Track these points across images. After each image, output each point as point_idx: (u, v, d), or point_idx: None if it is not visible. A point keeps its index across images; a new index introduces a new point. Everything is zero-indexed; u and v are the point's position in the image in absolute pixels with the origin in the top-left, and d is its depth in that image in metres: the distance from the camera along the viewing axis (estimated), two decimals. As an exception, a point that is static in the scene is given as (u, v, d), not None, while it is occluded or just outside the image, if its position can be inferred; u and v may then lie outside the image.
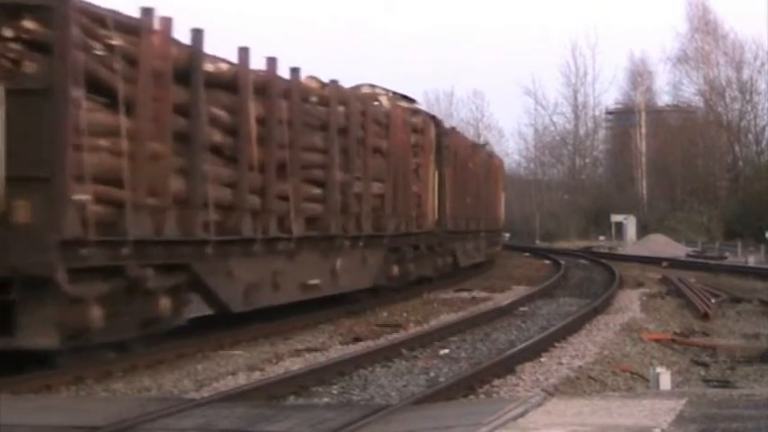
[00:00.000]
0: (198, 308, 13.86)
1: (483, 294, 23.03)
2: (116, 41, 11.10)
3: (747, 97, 66.60)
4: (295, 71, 15.71)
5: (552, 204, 77.70)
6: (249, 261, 14.00)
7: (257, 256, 14.21)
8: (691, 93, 71.96)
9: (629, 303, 20.18)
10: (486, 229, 33.02)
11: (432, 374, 11.19)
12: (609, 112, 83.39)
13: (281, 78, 15.13)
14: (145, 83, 11.48)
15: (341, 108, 17.48)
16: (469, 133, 55.15)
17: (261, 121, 14.33)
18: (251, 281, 14.01)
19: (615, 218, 59.65)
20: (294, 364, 11.69)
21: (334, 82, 17.49)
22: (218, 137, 13.36)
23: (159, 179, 11.80)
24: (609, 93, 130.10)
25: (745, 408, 7.37)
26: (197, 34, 12.75)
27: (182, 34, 12.72)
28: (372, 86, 22.45)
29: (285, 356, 12.46)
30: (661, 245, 50.33)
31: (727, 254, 43.74)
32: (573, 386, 10.41)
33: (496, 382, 10.45)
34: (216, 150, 13.34)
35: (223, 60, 13.59)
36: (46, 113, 10.20)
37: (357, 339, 14.34)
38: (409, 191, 21.36)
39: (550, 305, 20.21)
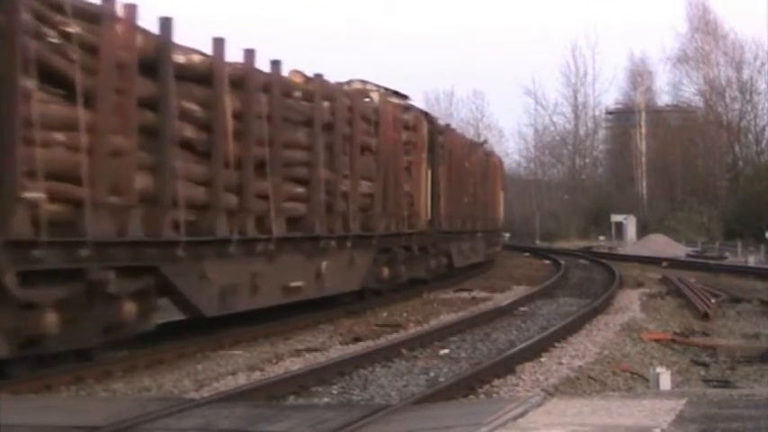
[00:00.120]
0: (172, 312, 13.41)
1: (483, 294, 22.86)
2: (73, 29, 10.32)
3: (747, 97, 66.44)
4: (276, 64, 14.92)
5: (552, 204, 77.59)
6: (225, 263, 13.24)
7: (234, 258, 13.43)
8: (691, 93, 71.87)
9: (629, 303, 20.09)
10: (484, 229, 32.09)
11: (432, 374, 11.12)
12: (609, 112, 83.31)
13: (260, 72, 14.39)
14: (106, 74, 10.72)
15: (326, 103, 16.71)
16: (469, 133, 55.14)
17: (238, 116, 13.62)
18: (227, 283, 13.26)
19: (615, 218, 59.55)
20: (294, 364, 11.63)
21: (318, 76, 16.69)
22: (190, 132, 12.66)
23: (123, 176, 11.08)
24: (609, 93, 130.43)
25: (745, 408, 7.33)
26: (165, 23, 12.02)
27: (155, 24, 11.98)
28: (364, 82, 21.92)
29: (285, 356, 12.41)
30: (661, 245, 50.22)
31: (727, 254, 43.60)
32: (573, 386, 10.36)
33: (496, 382, 10.38)
34: (188, 146, 12.64)
35: (196, 52, 12.86)
36: (-8, 105, 9.46)
37: (357, 339, 14.26)
38: (400, 190, 20.58)
39: (550, 305, 20.11)
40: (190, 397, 9.34)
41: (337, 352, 12.87)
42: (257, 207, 14.16)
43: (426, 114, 24.01)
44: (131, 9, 11.27)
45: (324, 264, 16.46)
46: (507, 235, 52.91)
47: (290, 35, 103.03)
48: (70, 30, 10.31)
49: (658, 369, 10.03)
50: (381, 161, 19.40)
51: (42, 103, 9.92)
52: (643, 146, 74.10)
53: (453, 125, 43.54)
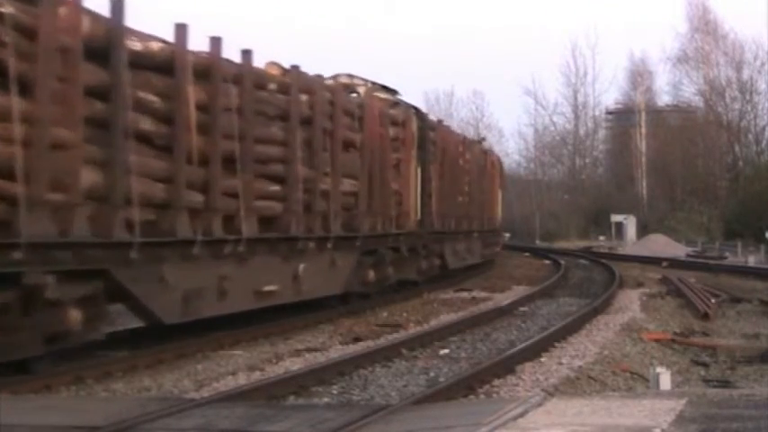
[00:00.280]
0: (134, 319, 12.76)
1: (483, 294, 22.69)
2: (6, 9, 9.37)
3: (747, 97, 66.31)
4: (247, 54, 13.88)
5: (552, 204, 77.57)
6: (188, 266, 12.24)
7: (198, 260, 12.44)
8: (691, 93, 71.72)
9: (629, 303, 20.01)
10: (481, 229, 31.06)
11: (432, 374, 11.05)
12: (609, 112, 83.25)
13: (229, 62, 13.42)
14: (46, 59, 9.72)
15: (304, 97, 15.67)
16: (469, 133, 55.14)
17: (203, 108, 12.65)
18: (191, 288, 12.29)
19: (615, 218, 59.50)
20: (294, 364, 11.54)
21: (295, 68, 15.57)
22: (147, 124, 11.65)
23: (66, 171, 10.06)
24: (609, 93, 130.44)
25: (745, 408, 7.29)
26: (117, 6, 10.98)
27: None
28: (351, 76, 21.03)
29: (285, 356, 12.31)
30: (661, 245, 50.15)
31: (727, 254, 43.52)
32: (573, 386, 10.32)
33: (496, 382, 10.32)
34: (145, 139, 11.62)
35: (155, 39, 11.89)
36: None
37: (357, 339, 14.14)
38: (387, 188, 19.52)
39: (550, 305, 20.02)
40: (190, 397, 9.28)
41: (337, 352, 12.80)
42: (225, 206, 13.20)
43: (416, 110, 22.86)
44: None
45: (302, 266, 15.44)
46: (507, 235, 52.88)
47: (290, 35, 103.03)
48: (2, 10, 9.34)
49: (658, 369, 9.99)
50: (366, 158, 18.42)
51: (-33, 91, 8.81)
52: (643, 146, 74.06)
53: (453, 125, 43.36)
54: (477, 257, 30.95)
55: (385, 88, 21.88)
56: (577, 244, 61.22)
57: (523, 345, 12.87)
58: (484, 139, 48.72)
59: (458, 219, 26.71)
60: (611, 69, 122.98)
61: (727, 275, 29.61)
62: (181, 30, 12.19)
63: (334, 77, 20.10)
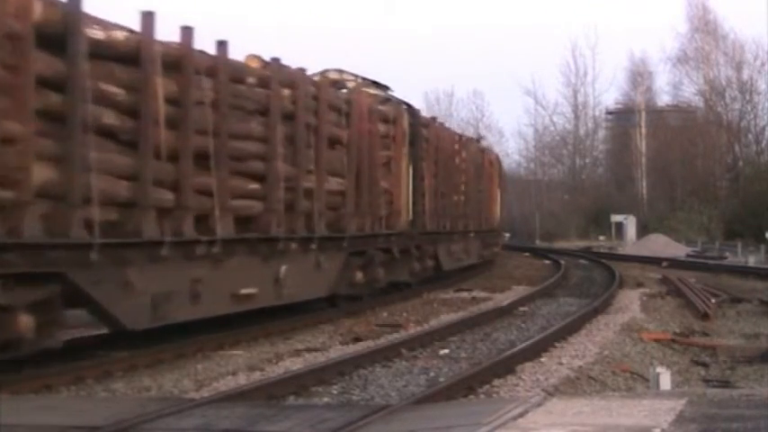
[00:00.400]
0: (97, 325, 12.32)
1: (483, 294, 22.61)
2: None
3: (747, 97, 66.27)
4: (222, 45, 13.11)
5: (552, 204, 77.67)
6: (156, 268, 11.51)
7: (168, 262, 11.69)
8: (691, 93, 71.69)
9: (629, 303, 20.00)
10: (478, 229, 30.32)
11: (432, 374, 11.04)
12: (609, 112, 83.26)
13: (202, 53, 12.68)
14: None
15: (286, 91, 14.90)
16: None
17: (173, 102, 11.93)
18: (159, 292, 11.55)
19: (615, 218, 59.50)
20: (294, 364, 11.51)
21: (275, 60, 14.76)
22: (111, 118, 10.90)
23: (16, 167, 9.40)
24: (609, 93, 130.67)
25: (745, 408, 7.26)
26: None
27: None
28: (340, 71, 20.44)
29: (285, 356, 12.28)
30: (661, 245, 50.11)
31: (727, 254, 43.49)
32: (573, 386, 10.32)
33: (496, 382, 10.31)
34: (108, 134, 10.90)
35: (120, 28, 11.21)
36: None
37: (357, 339, 14.10)
38: (377, 187, 18.72)
39: (550, 305, 20.01)
40: (190, 397, 9.27)
41: (337, 352, 12.77)
42: (198, 205, 12.45)
43: (408, 106, 21.89)
44: None
45: (283, 268, 14.68)
46: (507, 235, 52.85)
47: (290, 35, 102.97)
48: None
49: (658, 369, 9.97)
50: (353, 155, 17.61)
51: None
52: (643, 146, 74.07)
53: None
54: (475, 258, 30.23)
55: (376, 84, 21.29)
56: (577, 244, 61.31)
57: (523, 345, 12.86)
58: (482, 137, 48.14)
59: (453, 218, 26.02)
60: (611, 69, 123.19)
61: (727, 275, 29.57)
62: (147, 18, 11.46)
63: (324, 72, 19.60)
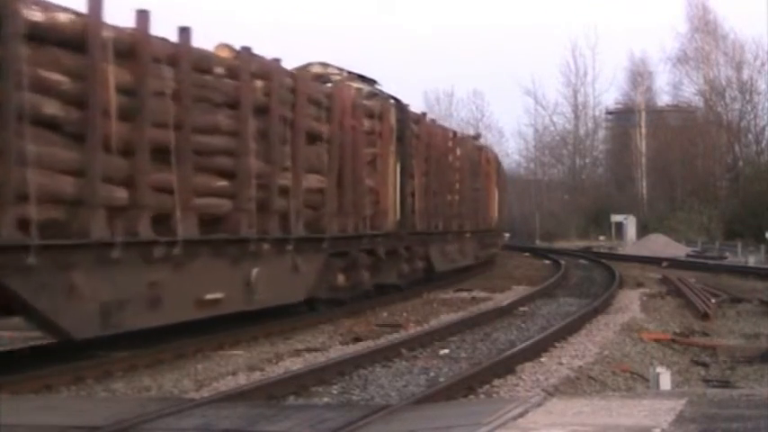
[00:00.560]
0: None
1: (483, 294, 22.60)
2: None
3: (747, 97, 66.24)
4: (185, 33, 12.14)
5: (552, 204, 77.66)
6: (107, 272, 10.58)
7: (121, 266, 10.74)
8: (691, 93, 71.69)
9: (629, 303, 20.01)
10: (474, 229, 29.25)
11: (432, 374, 11.04)
12: (609, 112, 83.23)
13: (162, 40, 11.77)
14: None
15: (259, 83, 13.99)
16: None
17: (127, 92, 11.02)
18: (111, 298, 10.63)
19: (615, 218, 59.51)
20: (294, 364, 11.51)
21: (246, 49, 13.78)
22: (53, 108, 9.97)
23: None
24: (609, 93, 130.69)
25: (745, 408, 7.26)
26: None
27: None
28: (325, 65, 19.71)
29: (285, 356, 12.27)
30: (661, 245, 50.10)
31: (727, 254, 43.51)
32: (573, 386, 10.33)
33: (496, 382, 10.31)
34: (50, 125, 10.00)
35: (63, 9, 10.29)
36: None
37: (357, 339, 14.06)
38: (361, 185, 17.73)
39: (550, 305, 20.00)
40: (190, 397, 9.25)
41: (337, 352, 12.76)
42: (157, 203, 11.50)
43: (397, 101, 20.77)
44: None
45: (255, 271, 13.75)
46: (507, 235, 52.83)
47: (289, 34, 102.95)
48: None
49: (658, 369, 9.97)
50: (335, 152, 16.60)
51: None
52: (643, 146, 74.06)
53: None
54: (471, 259, 29.35)
55: (362, 78, 20.43)
56: (577, 244, 61.28)
57: (523, 345, 12.84)
58: (480, 134, 47.15)
59: (447, 218, 25.07)
60: (611, 69, 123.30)
61: (727, 275, 29.58)
62: (95, 0, 10.52)
63: (308, 65, 19.11)
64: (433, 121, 25.11)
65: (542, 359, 12.02)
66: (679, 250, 47.02)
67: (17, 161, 9.41)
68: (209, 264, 12.70)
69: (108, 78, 10.60)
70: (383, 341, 13.79)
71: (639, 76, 77.97)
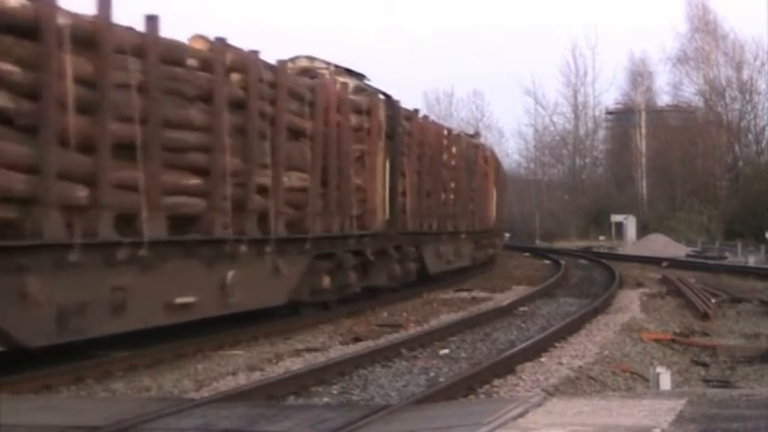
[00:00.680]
0: None
1: (483, 294, 22.60)
2: None
3: (747, 97, 66.20)
4: (152, 21, 11.41)
5: (552, 204, 77.65)
6: (64, 276, 9.90)
7: (81, 269, 10.02)
8: (691, 93, 71.63)
9: (629, 303, 20.01)
10: (471, 229, 28.50)
11: (432, 374, 11.05)
12: (609, 112, 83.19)
13: (128, 29, 11.11)
14: None
15: (235, 76, 13.38)
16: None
17: (87, 83, 10.31)
18: (69, 303, 9.94)
19: (615, 218, 59.50)
20: (294, 364, 11.50)
21: (221, 40, 13.06)
22: (2, 100, 9.42)
23: None
24: (609, 93, 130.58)
25: (745, 408, 7.25)
26: None
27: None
28: (311, 59, 18.98)
29: (285, 356, 12.27)
30: (661, 245, 50.10)
31: (727, 254, 43.51)
32: (573, 386, 10.33)
33: (496, 382, 10.32)
34: None
35: None
36: None
37: (357, 339, 14.05)
38: (347, 184, 17.05)
39: (550, 305, 20.00)
40: (190, 397, 9.25)
41: (337, 352, 12.75)
42: (121, 202, 10.81)
43: (387, 96, 19.96)
44: None
45: (230, 274, 13.03)
46: (507, 235, 52.83)
47: (289, 34, 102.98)
48: None
49: (658, 369, 9.97)
50: (319, 149, 15.86)
51: None
52: (643, 146, 74.05)
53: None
54: (467, 260, 28.47)
55: (351, 72, 19.70)
56: (577, 244, 61.28)
57: (523, 345, 12.84)
58: (478, 133, 46.48)
59: (441, 218, 24.30)
60: (611, 69, 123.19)
61: (727, 275, 29.59)
62: None
63: (294, 59, 18.46)
64: (425, 117, 24.23)
65: (542, 359, 12.03)
66: (679, 250, 47.02)
67: None
68: (181, 266, 12.02)
69: (65, 68, 9.93)
70: (383, 341, 13.79)
71: (639, 76, 77.99)
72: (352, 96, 18.00)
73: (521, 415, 6.95)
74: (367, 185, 18.43)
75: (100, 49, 10.49)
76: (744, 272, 31.00)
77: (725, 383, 11.39)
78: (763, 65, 65.45)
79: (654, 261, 37.89)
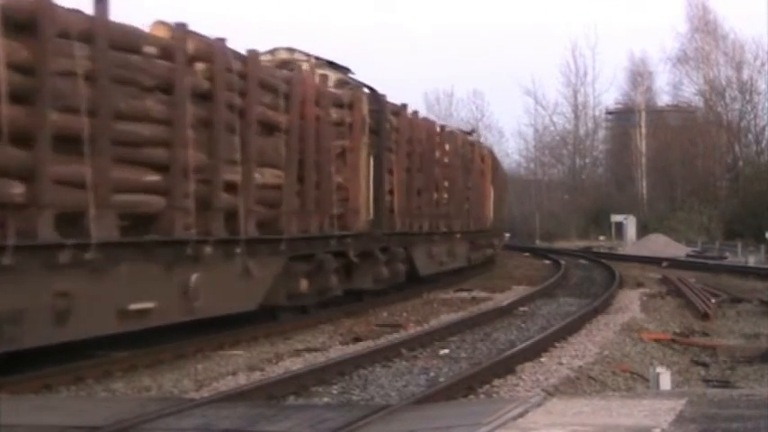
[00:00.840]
0: None
1: (483, 294, 22.60)
2: None
3: (747, 97, 66.24)
4: (101, 4, 10.45)
5: (552, 204, 77.68)
6: None
7: (15, 273, 9.09)
8: (691, 93, 71.66)
9: (629, 303, 20.01)
10: (466, 230, 27.46)
11: (432, 374, 11.04)
12: (609, 112, 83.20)
13: (74, 12, 10.19)
14: None
15: (200, 65, 12.43)
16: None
17: (23, 70, 9.42)
18: (3, 310, 9.05)
19: (615, 218, 59.53)
20: (294, 364, 11.49)
21: (181, 26, 12.04)
22: None
23: None
24: (609, 93, 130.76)
25: (745, 408, 7.25)
26: None
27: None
28: (291, 50, 18.29)
29: (285, 356, 12.26)
30: (661, 245, 50.11)
31: (727, 254, 43.54)
32: (573, 386, 10.33)
33: (496, 382, 10.31)
34: None
35: None
36: None
37: (357, 339, 14.03)
38: (327, 181, 16.10)
39: (550, 305, 19.99)
40: (190, 397, 9.24)
41: (337, 352, 12.74)
42: (64, 199, 9.87)
43: (371, 90, 19.01)
44: None
45: (194, 277, 11.99)
46: (507, 235, 52.82)
47: (288, 34, 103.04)
48: None
49: (658, 369, 9.97)
50: (295, 144, 14.86)
51: None
52: (643, 146, 74.07)
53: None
54: (462, 261, 27.47)
55: (333, 65, 19.00)
56: (577, 244, 61.30)
57: (523, 345, 12.84)
58: (474, 130, 45.75)
59: (433, 218, 23.26)
60: (611, 69, 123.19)
61: (727, 275, 29.60)
62: None
63: (273, 51, 17.88)
64: (415, 113, 22.62)
65: (542, 359, 12.03)
66: (679, 250, 47.03)
67: None
68: (136, 269, 10.93)
69: None
70: (383, 341, 13.78)
71: (639, 76, 78.01)
72: (332, 89, 17.16)
73: (521, 415, 6.95)
74: (349, 183, 17.47)
75: (39, 34, 9.55)
76: (744, 272, 31.01)
77: (725, 383, 11.39)
78: (763, 65, 65.58)
79: (654, 261, 37.90)
